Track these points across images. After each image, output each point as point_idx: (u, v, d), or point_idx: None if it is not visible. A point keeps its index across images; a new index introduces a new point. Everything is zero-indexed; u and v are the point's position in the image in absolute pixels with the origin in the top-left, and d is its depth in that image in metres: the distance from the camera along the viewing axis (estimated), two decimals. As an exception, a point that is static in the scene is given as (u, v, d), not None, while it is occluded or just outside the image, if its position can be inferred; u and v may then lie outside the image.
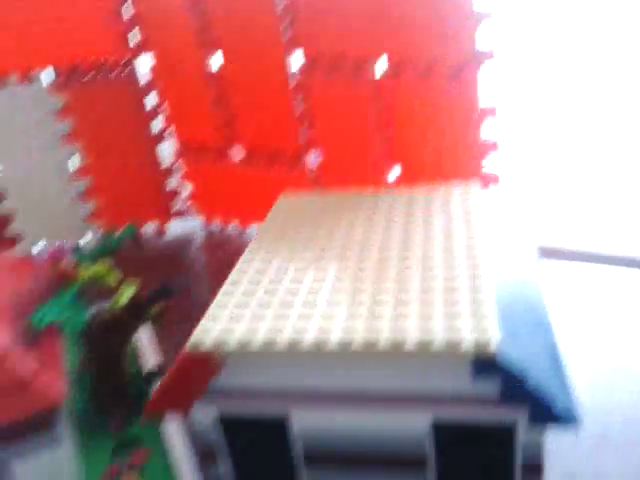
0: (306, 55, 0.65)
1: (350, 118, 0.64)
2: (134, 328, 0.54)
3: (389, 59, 0.60)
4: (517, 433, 0.34)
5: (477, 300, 0.34)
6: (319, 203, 0.49)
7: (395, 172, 0.65)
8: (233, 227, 0.84)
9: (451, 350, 0.31)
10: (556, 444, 0.44)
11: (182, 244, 0.85)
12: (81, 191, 0.82)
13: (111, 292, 0.54)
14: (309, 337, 0.33)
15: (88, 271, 0.54)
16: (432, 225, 0.43)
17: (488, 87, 0.56)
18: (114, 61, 0.77)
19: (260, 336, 0.34)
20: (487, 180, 0.59)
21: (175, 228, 0.88)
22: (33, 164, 0.79)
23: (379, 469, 0.37)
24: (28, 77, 0.75)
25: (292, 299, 0.37)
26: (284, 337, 0.34)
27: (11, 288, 0.51)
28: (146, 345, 0.58)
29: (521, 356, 0.33)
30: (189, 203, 0.87)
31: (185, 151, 0.82)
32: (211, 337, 0.35)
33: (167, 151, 0.84)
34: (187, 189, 0.86)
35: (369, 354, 0.33)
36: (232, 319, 0.36)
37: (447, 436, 0.35)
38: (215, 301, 0.38)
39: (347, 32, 0.60)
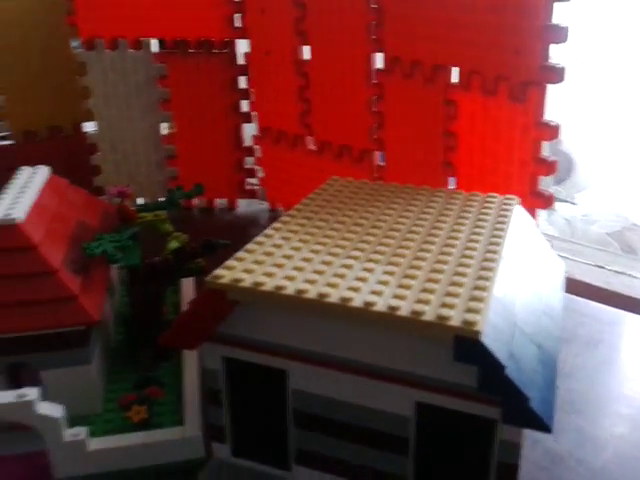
0: (386, 58, 0.68)
1: (418, 124, 0.66)
2: (177, 276, 0.58)
3: (460, 70, 0.61)
4: (495, 429, 0.35)
5: (479, 287, 0.36)
6: (364, 188, 0.52)
7: (452, 182, 0.66)
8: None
9: (439, 322, 0.33)
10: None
11: (249, 222, 0.90)
12: (166, 156, 0.89)
13: (163, 240, 0.58)
14: (314, 290, 0.36)
15: (146, 217, 0.59)
16: (462, 224, 0.45)
17: (555, 104, 0.57)
18: (217, 40, 0.83)
19: (272, 282, 0.37)
20: (542, 200, 0.59)
21: (243, 207, 0.93)
22: (128, 123, 0.86)
23: (362, 442, 0.39)
24: (138, 43, 0.82)
25: (306, 264, 0.39)
26: (292, 287, 0.36)
27: (78, 219, 0.56)
28: (187, 297, 0.61)
29: (506, 353, 0.33)
30: (259, 186, 0.92)
31: (263, 136, 0.86)
32: (229, 274, 0.38)
33: (249, 132, 0.89)
34: (260, 173, 0.91)
35: (365, 320, 0.34)
36: (250, 268, 0.38)
37: (428, 420, 0.36)
38: (237, 253, 0.40)
39: (425, 40, 0.63)
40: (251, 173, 0.91)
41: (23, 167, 0.58)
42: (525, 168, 0.58)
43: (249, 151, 0.90)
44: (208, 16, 0.81)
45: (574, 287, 0.67)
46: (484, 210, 0.47)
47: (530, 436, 0.46)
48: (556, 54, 0.54)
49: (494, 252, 0.40)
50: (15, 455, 0.44)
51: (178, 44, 0.84)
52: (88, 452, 0.43)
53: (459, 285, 0.36)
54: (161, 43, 0.85)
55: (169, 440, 0.44)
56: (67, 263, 0.49)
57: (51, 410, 0.42)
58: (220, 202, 0.94)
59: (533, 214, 0.58)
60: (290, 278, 0.37)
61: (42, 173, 0.57)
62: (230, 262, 0.39)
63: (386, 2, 0.66)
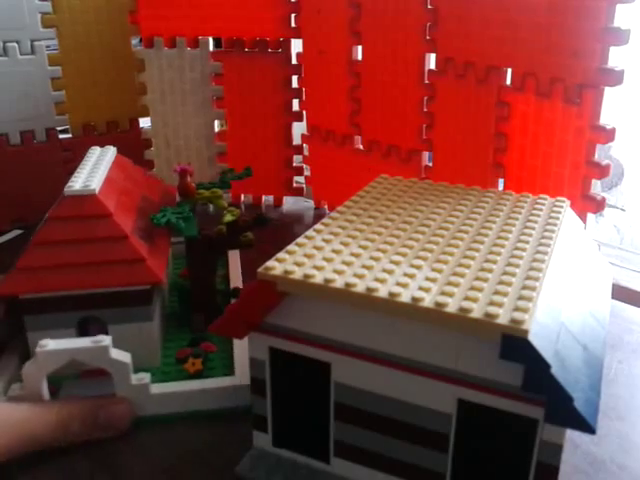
0: (439, 58, 0.68)
1: (469, 124, 0.66)
2: (229, 248, 0.62)
3: (513, 72, 0.61)
4: (537, 429, 0.34)
5: (527, 287, 0.36)
6: (413, 187, 0.52)
7: (501, 183, 0.66)
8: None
9: (486, 319, 0.33)
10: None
11: (294, 219, 0.91)
12: (218, 152, 0.91)
13: (217, 214, 0.61)
14: (362, 284, 0.36)
15: (204, 194, 0.62)
16: (511, 224, 0.45)
17: (612, 107, 0.56)
18: (273, 39, 0.84)
19: (321, 275, 0.37)
20: (593, 203, 0.58)
21: (289, 204, 0.95)
22: (182, 120, 0.88)
23: (402, 437, 0.39)
24: (195, 42, 0.85)
25: (354, 260, 0.39)
26: (341, 280, 0.37)
27: (141, 193, 0.62)
28: (234, 269, 0.67)
29: (552, 352, 0.33)
30: (305, 184, 0.93)
31: (312, 134, 0.87)
32: (280, 266, 0.39)
33: (297, 131, 0.91)
34: (306, 171, 0.92)
35: (412, 316, 0.35)
36: (300, 261, 0.39)
37: (469, 418, 0.36)
38: (287, 247, 0.41)
39: (480, 41, 0.62)
40: (299, 171, 0.92)
41: (94, 147, 0.63)
42: (577, 171, 0.58)
43: (298, 149, 0.91)
44: (264, 16, 0.83)
45: (621, 294, 0.67)
46: (534, 211, 0.47)
47: (570, 440, 0.46)
48: (616, 57, 0.54)
49: (543, 253, 0.40)
50: (84, 397, 0.49)
51: (234, 43, 0.85)
52: (151, 395, 0.48)
53: (507, 284, 0.36)
54: (216, 42, 0.87)
55: (222, 387, 0.49)
56: (135, 230, 0.54)
57: (121, 356, 0.47)
58: (266, 199, 0.96)
59: (583, 218, 0.57)
60: (339, 272, 0.38)
61: (111, 152, 0.63)
62: (281, 255, 0.40)
63: (442, 3, 0.66)
